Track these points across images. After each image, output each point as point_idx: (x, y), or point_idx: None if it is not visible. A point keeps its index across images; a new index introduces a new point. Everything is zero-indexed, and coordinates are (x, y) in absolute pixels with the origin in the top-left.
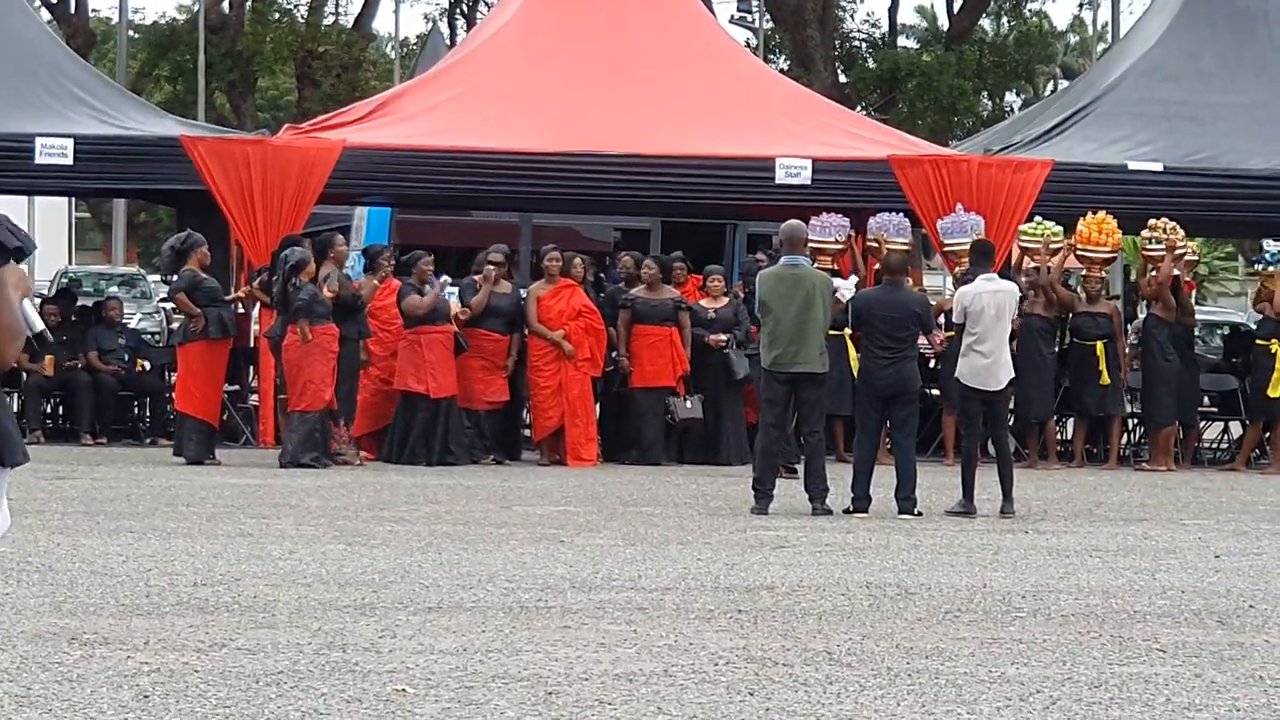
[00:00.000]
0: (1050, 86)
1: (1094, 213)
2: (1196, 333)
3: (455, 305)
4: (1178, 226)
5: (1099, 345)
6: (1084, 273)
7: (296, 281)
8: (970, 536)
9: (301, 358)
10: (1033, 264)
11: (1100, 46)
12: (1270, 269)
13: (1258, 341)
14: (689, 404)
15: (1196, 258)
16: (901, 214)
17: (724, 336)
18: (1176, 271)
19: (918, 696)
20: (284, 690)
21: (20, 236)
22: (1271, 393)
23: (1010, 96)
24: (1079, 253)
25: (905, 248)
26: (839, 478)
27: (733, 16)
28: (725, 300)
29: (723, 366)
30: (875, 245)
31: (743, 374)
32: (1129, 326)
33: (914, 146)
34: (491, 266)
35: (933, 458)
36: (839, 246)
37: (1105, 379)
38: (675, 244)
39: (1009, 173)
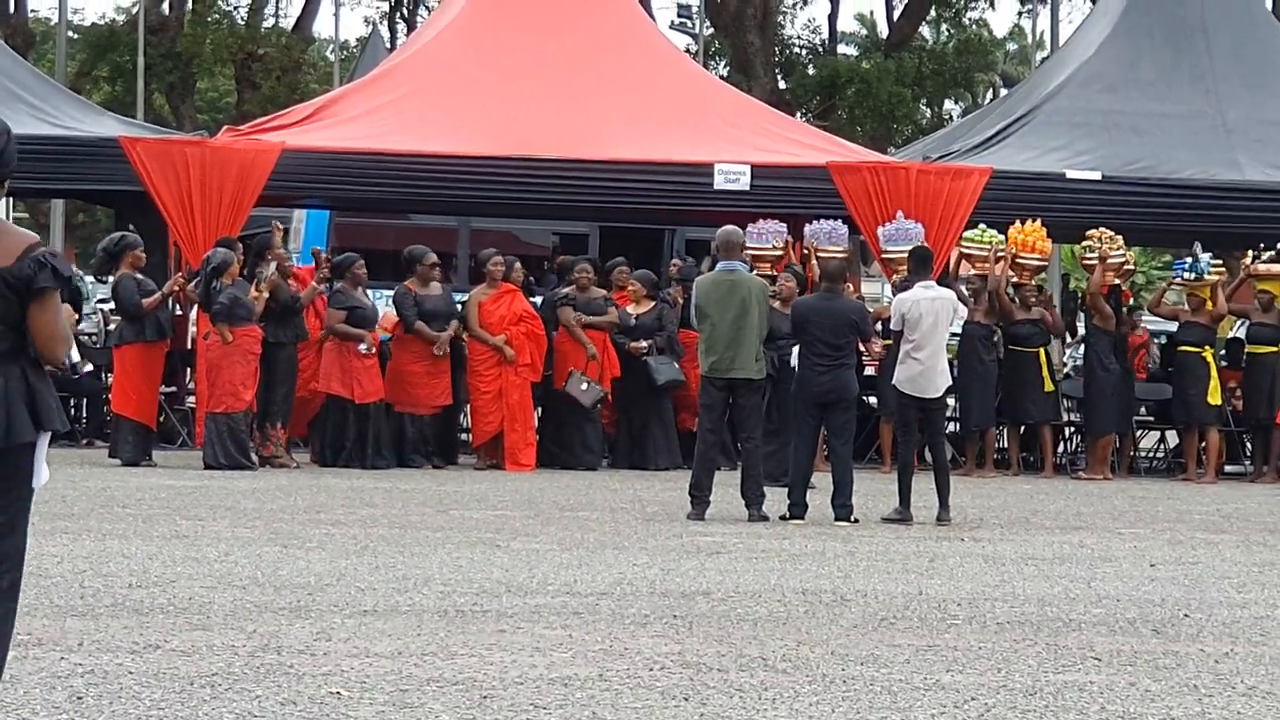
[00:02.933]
0: (990, 95)
1: (1023, 222)
2: None
3: (392, 314)
4: (1115, 235)
5: (1040, 353)
6: (1015, 280)
7: (217, 284)
8: (906, 544)
9: (220, 358)
10: (974, 271)
11: (1040, 55)
12: (1204, 279)
13: (1184, 349)
14: (584, 386)
15: (1133, 267)
16: (838, 221)
17: (644, 344)
18: (1117, 281)
19: (853, 703)
20: (218, 692)
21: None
22: (1211, 400)
23: (949, 104)
24: (1014, 260)
25: (840, 255)
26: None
27: (673, 22)
28: (650, 305)
29: (643, 373)
30: (809, 253)
31: (663, 380)
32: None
33: (853, 153)
34: (427, 266)
35: (869, 465)
36: (777, 253)
37: (1049, 385)
38: (614, 249)
39: (948, 180)
